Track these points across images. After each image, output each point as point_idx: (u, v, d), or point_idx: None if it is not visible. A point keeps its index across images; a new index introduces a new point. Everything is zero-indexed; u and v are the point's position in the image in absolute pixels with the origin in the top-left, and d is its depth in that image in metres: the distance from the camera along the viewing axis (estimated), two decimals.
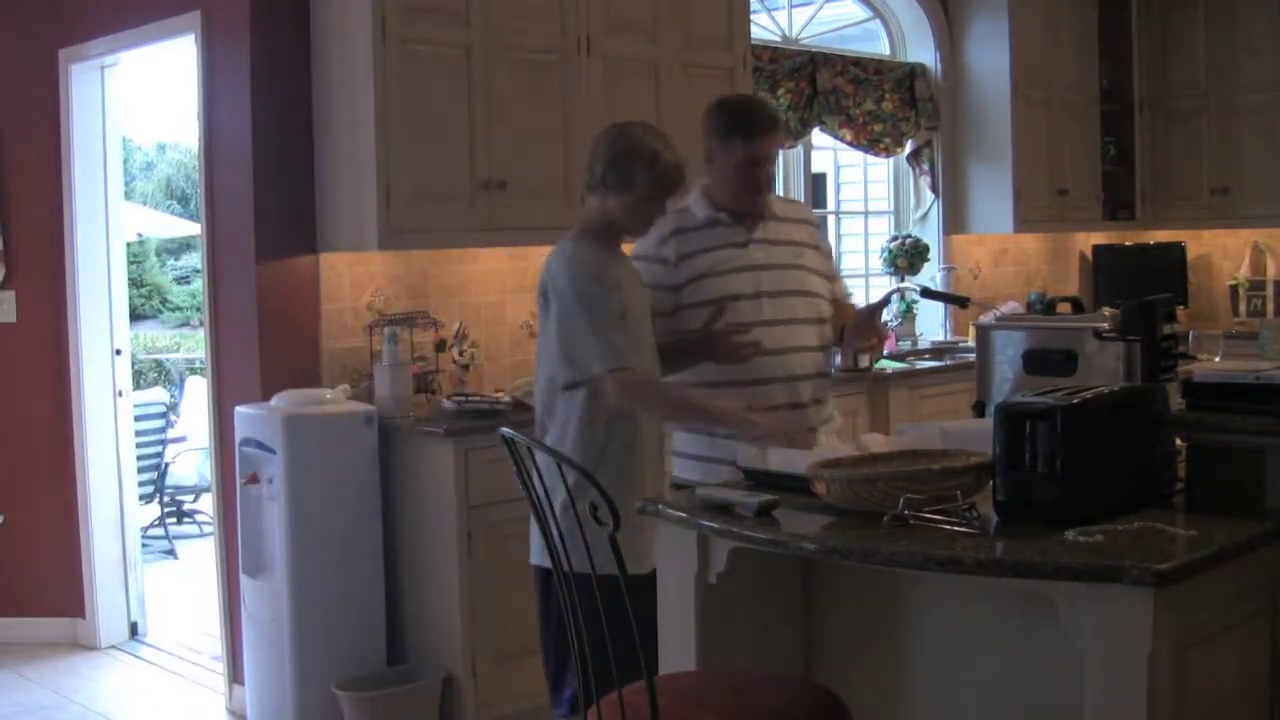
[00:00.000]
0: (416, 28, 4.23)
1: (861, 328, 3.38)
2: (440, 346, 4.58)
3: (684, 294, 3.28)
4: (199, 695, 4.85)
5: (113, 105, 5.43)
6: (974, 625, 2.61)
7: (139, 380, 11.17)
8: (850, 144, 6.18)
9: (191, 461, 7.66)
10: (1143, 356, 2.96)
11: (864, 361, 5.02)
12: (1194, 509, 2.43)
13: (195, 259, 16.34)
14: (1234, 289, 7.03)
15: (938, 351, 6.09)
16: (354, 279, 4.54)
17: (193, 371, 11.26)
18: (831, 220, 6.66)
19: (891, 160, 6.55)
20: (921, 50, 6.49)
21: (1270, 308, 6.80)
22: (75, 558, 5.41)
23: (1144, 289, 3.55)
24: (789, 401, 3.26)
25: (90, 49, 5.21)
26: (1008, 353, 3.22)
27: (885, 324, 3.46)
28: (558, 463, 2.36)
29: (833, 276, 3.49)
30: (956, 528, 2.30)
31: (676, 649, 2.68)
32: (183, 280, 18.21)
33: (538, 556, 3.25)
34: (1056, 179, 6.57)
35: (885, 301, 3.63)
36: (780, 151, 3.40)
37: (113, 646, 5.41)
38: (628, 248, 3.36)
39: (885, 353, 3.78)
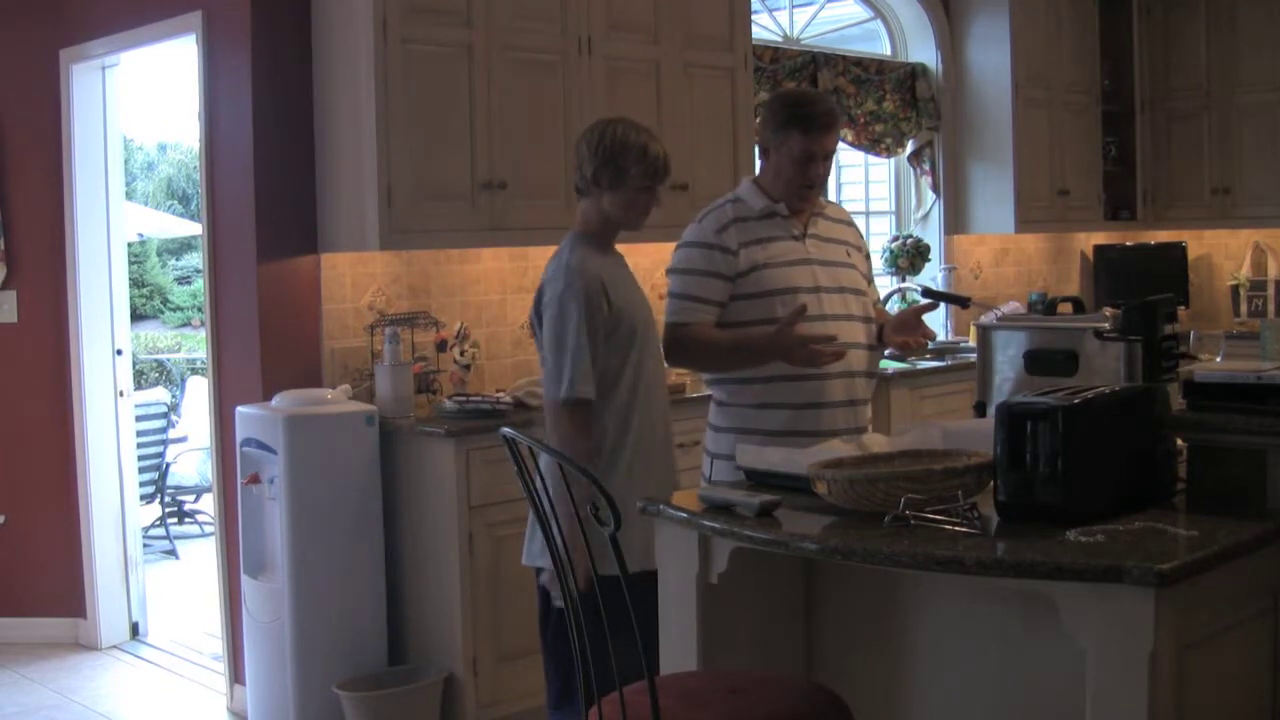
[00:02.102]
0: (417, 28, 4.23)
1: (906, 326, 3.36)
2: (441, 346, 4.59)
3: (739, 284, 3.24)
4: (200, 695, 4.86)
5: (114, 105, 5.43)
6: (975, 625, 2.61)
7: (140, 380, 11.19)
8: (851, 144, 6.18)
9: (192, 461, 7.67)
10: (1144, 356, 2.96)
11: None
12: (1195, 509, 2.43)
13: (196, 259, 16.36)
14: (1235, 289, 7.03)
15: (939, 351, 6.08)
16: (355, 279, 4.54)
17: (194, 371, 11.28)
18: None
19: (893, 160, 6.55)
20: (922, 50, 6.49)
21: (1271, 308, 6.80)
22: (76, 558, 5.42)
23: (1145, 289, 3.54)
24: (847, 399, 3.25)
25: (91, 49, 5.21)
26: (1009, 353, 3.22)
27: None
28: (558, 463, 2.36)
29: (870, 280, 3.49)
30: (958, 528, 2.30)
31: (677, 649, 2.68)
32: (184, 280, 18.23)
33: (536, 558, 3.25)
34: (1057, 179, 6.57)
35: (931, 306, 3.59)
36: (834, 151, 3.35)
37: (114, 646, 5.41)
38: (619, 248, 3.36)
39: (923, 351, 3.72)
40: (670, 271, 3.32)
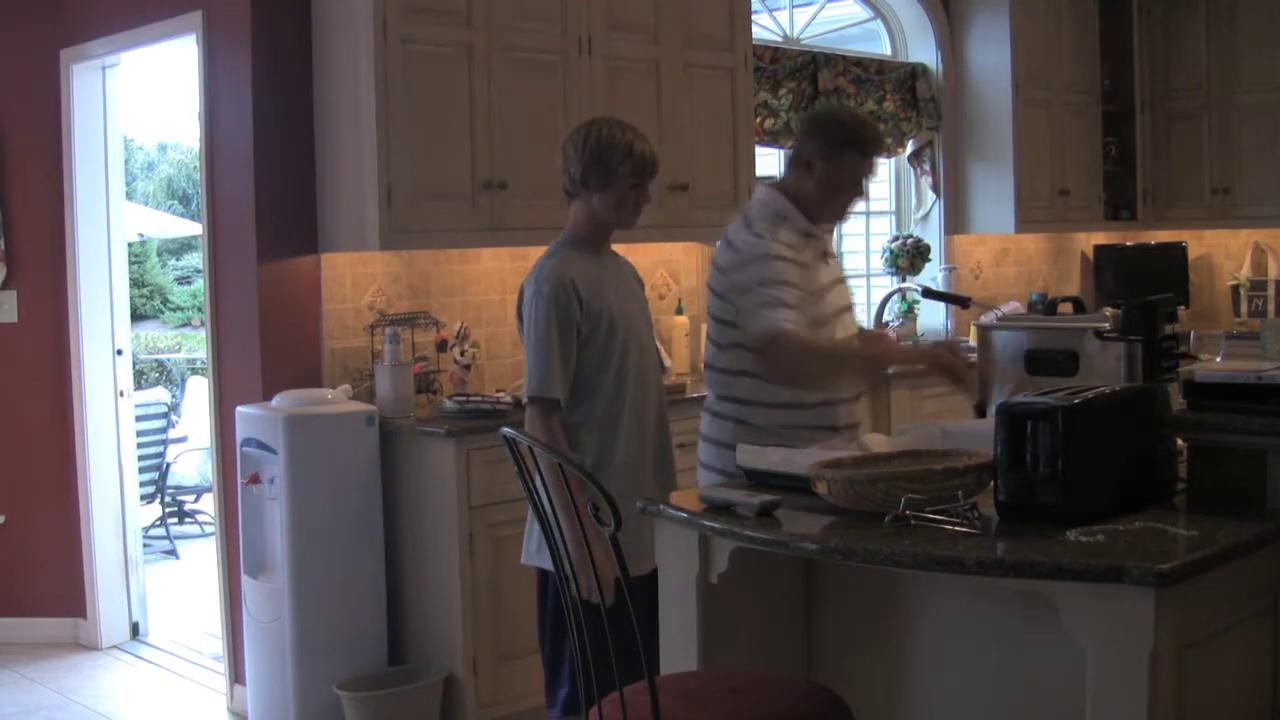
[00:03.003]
0: (417, 28, 4.23)
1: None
2: (441, 346, 4.59)
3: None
4: (200, 695, 4.86)
5: (114, 105, 5.43)
6: (975, 625, 2.61)
7: (140, 380, 11.19)
8: None
9: (193, 461, 7.67)
10: (1144, 356, 2.96)
11: None
12: (1195, 509, 2.43)
13: (196, 259, 16.36)
14: (1235, 289, 7.03)
15: None
16: (355, 279, 4.54)
17: (194, 371, 11.28)
18: None
19: (893, 160, 6.55)
20: (923, 50, 6.49)
21: (1271, 308, 6.79)
22: (77, 558, 5.42)
23: (1145, 289, 3.54)
24: (855, 394, 3.26)
25: (91, 49, 5.21)
26: (1009, 353, 3.22)
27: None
28: (558, 462, 2.36)
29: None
30: (958, 528, 2.30)
31: (678, 649, 2.68)
32: (184, 280, 18.22)
33: (533, 557, 3.26)
34: (1057, 179, 6.57)
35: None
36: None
37: (114, 646, 5.41)
38: (618, 249, 3.36)
39: None
40: (759, 283, 3.03)
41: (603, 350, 3.19)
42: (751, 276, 3.05)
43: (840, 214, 3.30)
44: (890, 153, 6.34)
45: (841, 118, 3.33)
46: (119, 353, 5.47)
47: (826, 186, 3.18)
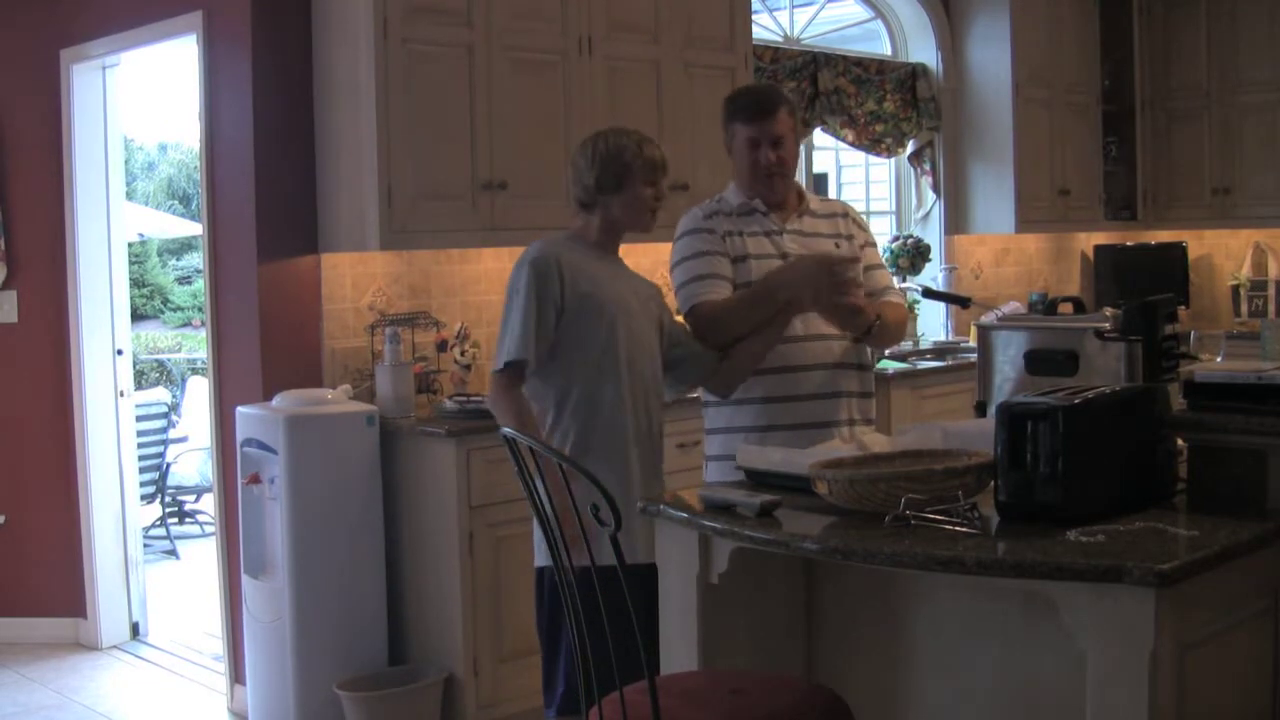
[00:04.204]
0: (418, 28, 4.23)
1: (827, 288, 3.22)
2: (441, 346, 4.59)
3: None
4: (200, 695, 4.86)
5: (114, 105, 5.43)
6: (975, 625, 2.61)
7: (140, 380, 11.19)
8: (852, 144, 6.18)
9: (193, 461, 7.67)
10: (1144, 357, 2.96)
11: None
12: (1195, 509, 2.43)
13: (197, 259, 16.36)
14: (1235, 289, 7.03)
15: (939, 352, 6.09)
16: (355, 279, 4.54)
17: (194, 371, 11.28)
18: None
19: (893, 160, 6.55)
20: (923, 50, 6.49)
21: (1271, 308, 6.80)
22: (77, 558, 5.42)
23: (1145, 289, 3.54)
24: (824, 390, 3.23)
25: (92, 49, 5.21)
26: (1009, 353, 3.22)
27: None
28: (558, 462, 2.36)
29: (868, 268, 3.37)
30: (958, 528, 2.30)
31: (678, 649, 2.68)
32: (184, 280, 18.22)
33: (542, 558, 3.25)
34: (1058, 179, 6.57)
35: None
36: (790, 138, 3.33)
37: (114, 646, 5.41)
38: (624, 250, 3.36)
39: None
40: (673, 267, 3.32)
41: (587, 331, 3.14)
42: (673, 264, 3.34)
43: (762, 182, 3.29)
44: (889, 152, 6.34)
45: (727, 97, 3.43)
46: (119, 353, 5.47)
47: (736, 163, 3.34)
